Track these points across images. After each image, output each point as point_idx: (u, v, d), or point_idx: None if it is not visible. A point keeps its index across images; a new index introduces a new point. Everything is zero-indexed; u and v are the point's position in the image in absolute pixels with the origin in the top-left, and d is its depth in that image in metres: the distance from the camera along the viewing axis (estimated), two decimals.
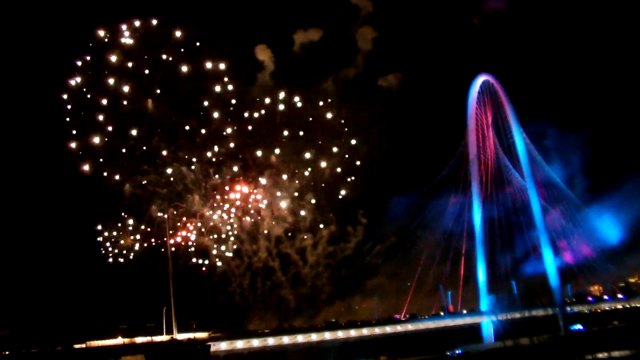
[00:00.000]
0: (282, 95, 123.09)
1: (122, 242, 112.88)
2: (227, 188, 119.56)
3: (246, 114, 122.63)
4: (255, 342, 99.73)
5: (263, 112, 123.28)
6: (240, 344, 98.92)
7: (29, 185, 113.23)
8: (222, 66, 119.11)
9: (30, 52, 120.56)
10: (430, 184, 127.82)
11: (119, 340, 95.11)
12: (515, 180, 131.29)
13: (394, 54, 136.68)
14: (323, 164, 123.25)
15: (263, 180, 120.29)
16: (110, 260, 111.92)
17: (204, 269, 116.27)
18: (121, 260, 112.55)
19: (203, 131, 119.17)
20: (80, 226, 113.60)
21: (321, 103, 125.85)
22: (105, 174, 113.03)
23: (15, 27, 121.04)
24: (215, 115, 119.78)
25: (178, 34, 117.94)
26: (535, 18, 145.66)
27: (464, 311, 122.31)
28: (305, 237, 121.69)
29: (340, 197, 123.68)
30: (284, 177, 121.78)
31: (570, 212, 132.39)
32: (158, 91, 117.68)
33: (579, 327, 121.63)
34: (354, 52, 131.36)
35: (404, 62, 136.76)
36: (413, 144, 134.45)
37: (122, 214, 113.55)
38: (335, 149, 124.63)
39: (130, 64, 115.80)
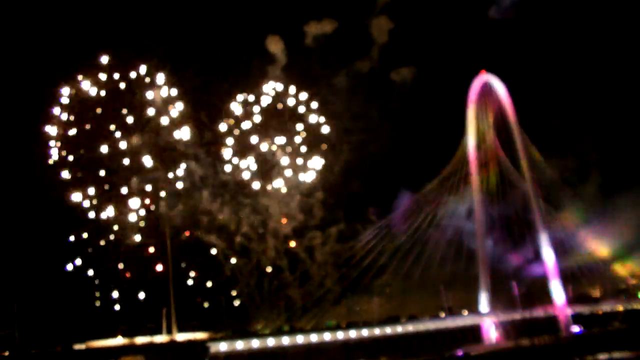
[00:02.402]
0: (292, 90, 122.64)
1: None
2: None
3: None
4: (256, 343, 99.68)
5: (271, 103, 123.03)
6: (240, 345, 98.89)
7: (27, 185, 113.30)
8: None
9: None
10: (430, 184, 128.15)
11: (119, 341, 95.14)
12: (516, 180, 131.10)
13: (406, 47, 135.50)
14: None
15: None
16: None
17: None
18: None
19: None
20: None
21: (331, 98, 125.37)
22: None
23: None
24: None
25: None
26: (545, 16, 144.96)
27: (465, 312, 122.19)
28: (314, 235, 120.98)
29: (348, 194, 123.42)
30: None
31: (572, 212, 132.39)
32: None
33: (579, 328, 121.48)
34: (366, 44, 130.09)
35: (413, 56, 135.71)
36: (418, 141, 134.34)
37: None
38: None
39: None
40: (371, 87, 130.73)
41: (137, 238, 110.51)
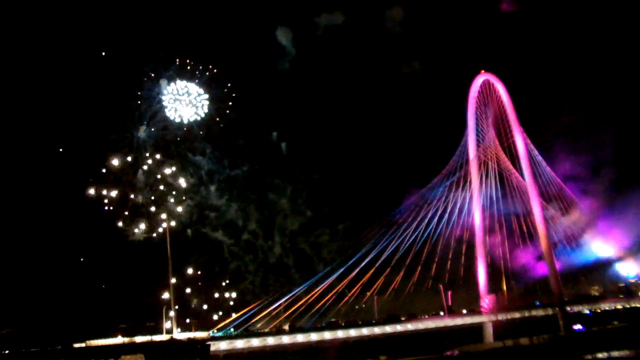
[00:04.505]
0: None
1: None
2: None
3: None
4: (255, 342, 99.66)
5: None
6: (240, 344, 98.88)
7: (28, 185, 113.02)
8: None
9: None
10: (430, 183, 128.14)
11: (119, 340, 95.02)
12: (516, 180, 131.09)
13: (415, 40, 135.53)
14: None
15: None
16: None
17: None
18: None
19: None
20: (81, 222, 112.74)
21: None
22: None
23: None
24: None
25: None
26: (547, 16, 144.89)
27: (464, 311, 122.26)
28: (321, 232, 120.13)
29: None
30: None
31: (572, 212, 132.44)
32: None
33: (578, 327, 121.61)
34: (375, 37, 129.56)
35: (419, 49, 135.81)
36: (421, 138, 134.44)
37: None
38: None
39: None
40: (378, 81, 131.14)
41: (141, 236, 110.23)
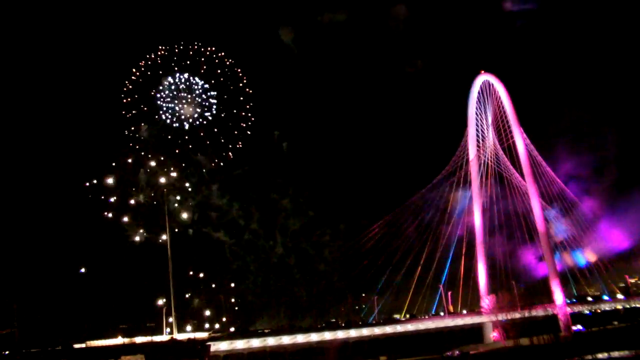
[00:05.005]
0: None
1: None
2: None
3: None
4: (255, 342, 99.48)
5: None
6: (240, 344, 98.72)
7: (29, 186, 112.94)
8: None
9: None
10: (430, 184, 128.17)
11: (119, 340, 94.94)
12: (516, 180, 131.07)
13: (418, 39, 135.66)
14: None
15: None
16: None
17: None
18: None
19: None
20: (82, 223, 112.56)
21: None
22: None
23: None
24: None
25: None
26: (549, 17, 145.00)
27: (464, 311, 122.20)
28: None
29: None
30: None
31: (572, 212, 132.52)
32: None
33: (578, 327, 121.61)
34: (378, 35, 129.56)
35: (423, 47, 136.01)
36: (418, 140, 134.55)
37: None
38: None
39: None
40: (379, 81, 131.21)
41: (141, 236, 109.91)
